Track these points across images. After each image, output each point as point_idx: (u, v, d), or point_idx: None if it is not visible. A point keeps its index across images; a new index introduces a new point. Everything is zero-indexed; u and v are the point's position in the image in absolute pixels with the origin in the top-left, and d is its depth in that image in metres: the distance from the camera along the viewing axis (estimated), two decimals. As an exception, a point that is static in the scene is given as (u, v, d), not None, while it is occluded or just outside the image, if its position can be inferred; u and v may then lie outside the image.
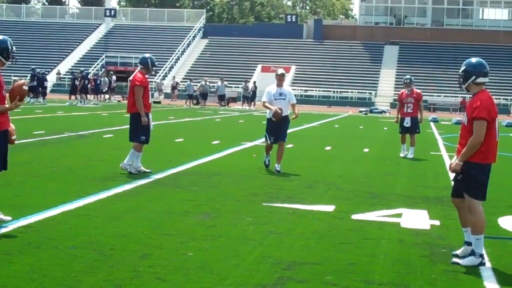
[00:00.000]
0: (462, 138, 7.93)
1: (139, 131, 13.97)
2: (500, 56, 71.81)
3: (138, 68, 14.38)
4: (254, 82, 57.82)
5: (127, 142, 14.39)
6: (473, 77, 7.91)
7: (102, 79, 55.18)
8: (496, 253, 8.36)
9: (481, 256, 7.77)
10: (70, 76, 51.77)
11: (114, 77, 57.49)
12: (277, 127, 15.43)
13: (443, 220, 10.37)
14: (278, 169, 15.18)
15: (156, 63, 14.60)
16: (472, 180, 7.83)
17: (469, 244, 7.94)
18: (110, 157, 16.40)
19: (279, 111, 15.15)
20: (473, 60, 8.04)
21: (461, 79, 8.06)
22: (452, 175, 8.08)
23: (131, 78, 15.03)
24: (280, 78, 15.35)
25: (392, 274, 7.27)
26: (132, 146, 13.99)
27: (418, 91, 20.53)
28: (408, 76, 20.64)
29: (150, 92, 14.37)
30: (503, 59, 71.56)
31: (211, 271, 7.02)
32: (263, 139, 15.73)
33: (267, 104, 15.40)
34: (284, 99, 15.41)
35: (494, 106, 7.88)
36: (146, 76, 14.15)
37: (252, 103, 55.94)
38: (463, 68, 8.02)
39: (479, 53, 69.34)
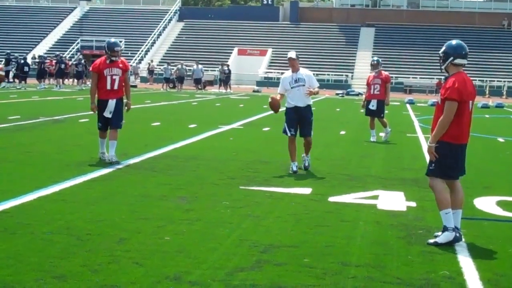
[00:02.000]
0: (436, 118, 8.01)
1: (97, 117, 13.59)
2: (475, 38, 72.10)
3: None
4: (228, 66, 57.72)
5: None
6: (451, 58, 7.99)
7: (82, 62, 54.77)
8: (472, 234, 8.42)
9: (454, 229, 7.84)
10: (39, 61, 51.25)
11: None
12: (297, 118, 13.50)
13: (420, 202, 10.43)
14: (306, 164, 13.48)
15: (118, 47, 13.49)
16: (440, 158, 7.91)
17: (455, 228, 7.98)
18: (86, 141, 16.33)
19: (272, 101, 13.63)
20: (453, 42, 8.15)
21: (440, 60, 8.13)
22: (428, 158, 8.14)
23: None
24: (293, 63, 13.56)
25: (369, 255, 7.31)
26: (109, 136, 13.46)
27: (386, 73, 20.34)
28: (375, 58, 20.43)
29: (111, 78, 13.41)
30: (479, 40, 71.86)
31: (188, 255, 7.02)
32: (283, 133, 13.79)
33: (273, 96, 13.73)
34: (303, 85, 13.42)
35: (469, 88, 7.92)
36: (115, 60, 13.44)
37: (228, 85, 55.95)
38: (443, 49, 8.11)
39: (455, 35, 69.65)
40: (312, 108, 13.60)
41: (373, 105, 19.74)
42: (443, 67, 8.14)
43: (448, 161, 7.95)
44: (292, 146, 13.38)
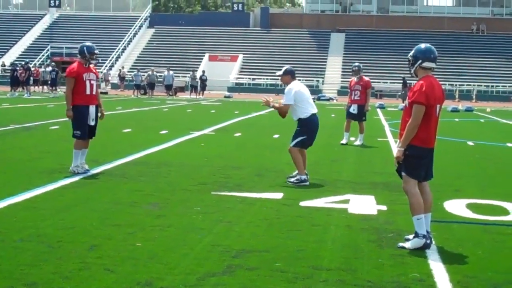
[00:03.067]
0: (403, 121, 8.06)
1: (72, 126, 12.95)
2: (445, 42, 72.53)
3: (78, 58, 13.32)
4: (203, 72, 57.77)
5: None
6: (420, 61, 8.03)
7: (55, 69, 54.47)
8: (442, 236, 8.49)
9: (425, 236, 7.89)
10: (10, 68, 50.87)
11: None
12: None
13: (390, 205, 10.48)
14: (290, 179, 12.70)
15: (96, 50, 13.45)
16: (408, 159, 7.96)
17: (426, 232, 8.03)
18: (57, 148, 16.25)
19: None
20: (422, 45, 8.20)
21: (409, 63, 8.18)
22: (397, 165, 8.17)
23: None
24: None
25: (340, 259, 7.34)
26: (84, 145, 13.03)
27: (367, 79, 20.55)
28: (356, 64, 20.63)
29: (89, 83, 12.98)
30: (448, 45, 72.32)
31: (160, 261, 7.02)
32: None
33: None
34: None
35: (436, 93, 7.95)
36: (90, 65, 13.11)
37: (202, 92, 56.11)
38: (412, 52, 8.16)
39: (424, 40, 69.94)
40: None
41: (354, 109, 20.01)
42: (412, 70, 8.18)
43: (414, 162, 7.99)
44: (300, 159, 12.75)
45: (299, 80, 13.22)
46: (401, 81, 58.32)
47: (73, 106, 12.87)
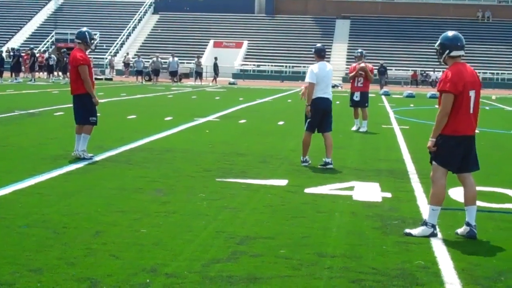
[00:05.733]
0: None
1: (88, 113, 12.97)
2: (450, 29, 71.73)
3: (76, 44, 13.26)
4: (216, 58, 57.85)
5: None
6: (447, 50, 7.93)
7: (52, 56, 54.58)
8: (447, 224, 8.48)
9: (433, 226, 7.87)
10: (14, 54, 50.69)
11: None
12: None
13: (395, 193, 10.48)
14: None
15: (96, 36, 13.35)
16: (439, 149, 7.90)
17: (468, 224, 7.98)
18: (62, 135, 16.26)
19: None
20: (449, 33, 8.06)
21: (437, 53, 8.10)
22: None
23: (69, 57, 13.73)
24: None
25: (344, 246, 7.34)
26: (83, 130, 12.95)
27: (370, 65, 20.61)
28: (359, 50, 20.70)
29: (92, 70, 13.17)
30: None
31: (164, 247, 7.03)
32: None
33: None
34: None
35: (467, 78, 7.83)
36: (86, 52, 13.13)
37: (215, 79, 56.39)
38: (438, 41, 8.05)
39: (429, 26, 70.21)
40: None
41: (356, 96, 20.13)
42: (440, 60, 8.08)
43: (445, 151, 7.93)
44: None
45: (304, 66, 13.35)
46: (382, 68, 55.48)
47: (84, 94, 12.91)
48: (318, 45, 13.47)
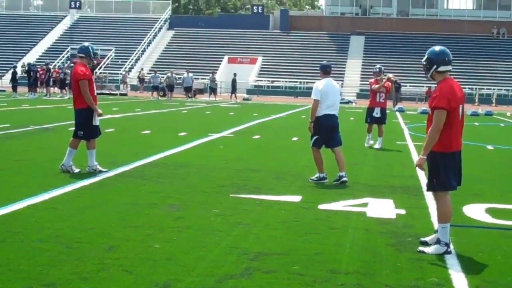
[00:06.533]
0: (428, 127, 7.97)
1: (78, 127, 13.08)
2: (464, 46, 72.33)
3: (78, 59, 13.32)
4: (235, 74, 57.75)
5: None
6: (435, 66, 7.94)
7: (67, 71, 54.74)
8: (461, 241, 8.44)
9: (447, 244, 7.84)
10: (31, 69, 50.91)
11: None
12: None
13: (409, 209, 10.45)
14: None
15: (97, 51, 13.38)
16: (433, 167, 7.90)
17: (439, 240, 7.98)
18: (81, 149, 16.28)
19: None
20: (436, 48, 8.05)
21: (424, 68, 8.10)
22: (420, 172, 8.12)
23: (71, 72, 13.83)
24: None
25: (358, 263, 7.32)
26: (88, 146, 13.16)
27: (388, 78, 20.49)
28: (378, 66, 20.59)
29: (93, 84, 13.21)
30: (468, 48, 72.14)
31: (178, 263, 7.02)
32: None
33: None
34: None
35: (456, 95, 7.85)
36: (88, 66, 13.14)
37: (234, 95, 56.28)
38: (426, 57, 8.04)
39: (444, 43, 69.67)
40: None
41: (377, 113, 19.94)
42: (428, 75, 8.09)
43: (446, 172, 7.92)
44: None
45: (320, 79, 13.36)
46: (396, 85, 54.49)
47: (82, 109, 13.02)
48: (324, 62, 13.57)
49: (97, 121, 13.17)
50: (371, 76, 21.09)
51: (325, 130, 13.04)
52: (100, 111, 13.10)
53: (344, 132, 25.05)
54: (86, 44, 13.45)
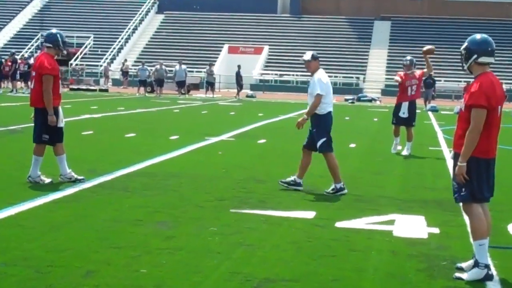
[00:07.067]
0: (459, 128, 7.96)
1: (43, 129, 12.93)
2: (508, 33, 72.21)
3: (44, 49, 13.21)
4: (239, 66, 56.86)
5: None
6: (475, 56, 7.93)
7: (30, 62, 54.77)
8: (505, 266, 8.43)
9: (486, 266, 7.82)
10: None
11: None
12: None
13: (443, 227, 10.44)
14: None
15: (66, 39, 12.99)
16: (469, 176, 7.87)
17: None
18: (49, 156, 16.29)
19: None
20: (477, 36, 8.05)
21: (462, 58, 8.09)
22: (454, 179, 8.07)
23: (32, 63, 13.62)
24: (305, 65, 13.62)
25: (383, 291, 7.33)
26: (55, 152, 13.21)
27: (418, 71, 20.41)
28: (409, 57, 20.46)
29: (60, 81, 13.07)
30: (513, 36, 72.06)
31: (168, 291, 7.03)
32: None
33: None
34: (308, 92, 13.57)
35: (498, 92, 7.86)
36: (55, 58, 12.99)
37: (239, 91, 55.64)
38: (464, 45, 8.04)
39: (484, 29, 69.76)
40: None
41: (404, 112, 19.71)
42: (465, 66, 8.07)
43: (478, 180, 7.90)
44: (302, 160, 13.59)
45: (335, 76, 13.47)
46: (429, 80, 53.09)
47: (45, 108, 12.83)
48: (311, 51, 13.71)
49: (61, 122, 13.06)
50: (399, 69, 20.98)
51: (330, 131, 13.35)
52: (53, 118, 12.78)
53: (366, 136, 25.10)
54: (53, 31, 13.29)
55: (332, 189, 13.03)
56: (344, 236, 9.72)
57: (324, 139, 13.26)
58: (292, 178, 13.39)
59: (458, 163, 7.90)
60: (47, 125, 12.90)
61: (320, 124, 13.22)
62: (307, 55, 13.37)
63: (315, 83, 13.21)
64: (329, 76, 48.40)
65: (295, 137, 23.65)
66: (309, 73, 13.61)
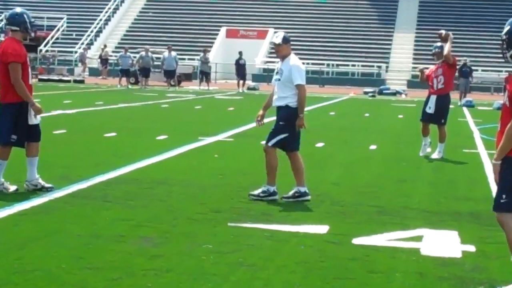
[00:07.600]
0: (502, 125, 7.96)
1: (11, 128, 12.74)
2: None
3: (9, 32, 13.17)
4: (240, 53, 56.47)
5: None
6: None
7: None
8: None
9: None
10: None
11: None
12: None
13: (480, 245, 10.45)
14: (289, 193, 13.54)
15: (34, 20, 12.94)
16: (507, 180, 7.88)
17: None
18: (13, 161, 16.32)
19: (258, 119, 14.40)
20: None
21: (503, 45, 8.09)
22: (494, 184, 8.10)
23: None
24: (274, 49, 13.94)
25: (408, 320, 7.35)
26: (28, 152, 13.10)
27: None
28: (439, 44, 20.35)
29: (29, 67, 12.91)
30: None
31: (155, 320, 7.06)
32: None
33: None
34: (279, 79, 13.58)
35: None
36: (23, 43, 12.86)
37: (243, 82, 55.18)
38: (506, 29, 8.04)
39: (531, 10, 69.87)
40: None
41: (430, 107, 19.52)
42: (508, 54, 8.08)
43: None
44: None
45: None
46: (466, 68, 52.03)
47: (11, 103, 12.71)
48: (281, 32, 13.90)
49: (35, 119, 12.92)
50: (428, 59, 20.86)
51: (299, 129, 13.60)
52: (38, 106, 12.77)
53: (390, 136, 25.10)
54: (18, 10, 13.18)
55: (263, 192, 13.25)
56: (363, 255, 9.73)
57: (286, 135, 13.52)
58: (291, 192, 13.45)
59: (493, 161, 7.94)
60: (14, 123, 12.79)
61: (290, 119, 13.35)
62: (278, 38, 13.39)
63: (291, 71, 13.24)
64: (345, 66, 48.39)
65: (304, 137, 23.64)
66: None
